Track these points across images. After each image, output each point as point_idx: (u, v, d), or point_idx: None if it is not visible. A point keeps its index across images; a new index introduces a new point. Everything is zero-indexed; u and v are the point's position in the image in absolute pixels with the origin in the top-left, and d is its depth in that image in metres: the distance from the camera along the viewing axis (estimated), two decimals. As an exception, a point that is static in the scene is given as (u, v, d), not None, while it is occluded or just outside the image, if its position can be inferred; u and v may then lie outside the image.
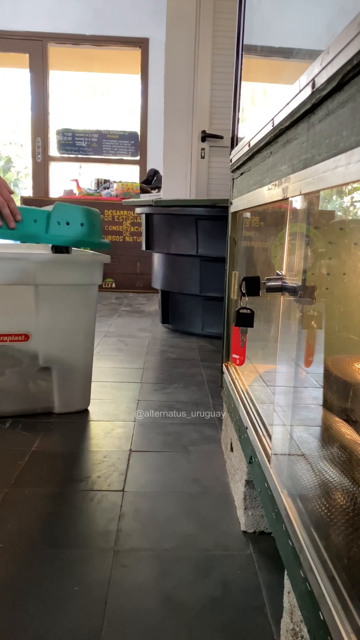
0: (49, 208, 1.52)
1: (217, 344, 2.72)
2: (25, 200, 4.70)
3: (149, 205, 3.01)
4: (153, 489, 1.23)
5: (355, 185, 0.72)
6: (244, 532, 1.07)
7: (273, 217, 1.16)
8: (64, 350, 1.61)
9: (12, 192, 1.45)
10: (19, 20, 5.06)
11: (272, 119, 0.86)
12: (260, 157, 1.05)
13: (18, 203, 1.57)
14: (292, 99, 0.72)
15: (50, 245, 1.60)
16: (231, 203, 1.47)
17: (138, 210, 3.20)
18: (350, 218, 0.93)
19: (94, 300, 1.65)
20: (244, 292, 0.93)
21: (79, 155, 5.43)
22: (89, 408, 1.72)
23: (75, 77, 5.78)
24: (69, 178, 5.11)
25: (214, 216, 2.66)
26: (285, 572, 0.71)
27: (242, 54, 1.47)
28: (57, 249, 1.59)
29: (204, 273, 2.81)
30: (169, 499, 1.18)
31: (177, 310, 3.09)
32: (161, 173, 3.49)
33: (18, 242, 1.68)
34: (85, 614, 0.83)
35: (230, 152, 1.47)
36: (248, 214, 1.40)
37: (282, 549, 0.72)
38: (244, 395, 1.18)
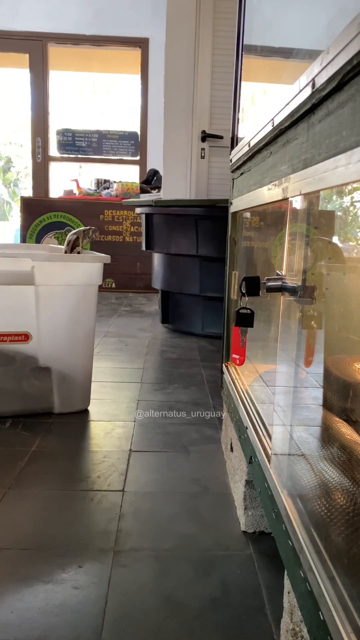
0: None
1: (217, 344, 2.72)
2: (25, 200, 4.70)
3: (149, 205, 3.01)
4: (153, 489, 1.23)
5: (355, 185, 0.72)
6: (244, 532, 1.07)
7: (273, 217, 1.16)
8: (64, 350, 1.61)
9: None
10: (19, 20, 5.06)
11: (272, 119, 0.86)
12: (260, 157, 1.05)
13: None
14: (292, 99, 0.72)
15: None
16: (231, 203, 1.47)
17: (138, 210, 3.20)
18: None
19: (94, 300, 1.65)
20: (244, 292, 0.93)
21: (79, 155, 5.43)
22: (89, 408, 1.72)
23: (75, 77, 5.79)
24: (69, 178, 5.11)
25: (214, 216, 2.66)
26: (285, 572, 0.71)
27: (242, 54, 1.47)
28: None
29: (204, 273, 2.81)
30: (169, 499, 1.18)
31: (177, 310, 3.09)
32: (161, 173, 3.49)
33: (19, 243, 1.70)
34: (85, 614, 0.83)
35: (230, 152, 1.47)
36: (248, 214, 1.40)
37: (282, 549, 0.72)
38: (244, 395, 1.18)
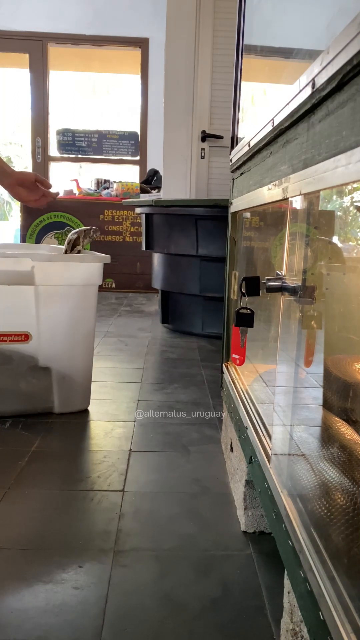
0: None
1: (217, 344, 2.72)
2: (25, 200, 4.69)
3: (149, 205, 3.01)
4: (153, 489, 1.23)
5: (355, 185, 0.72)
6: (244, 532, 1.07)
7: (273, 217, 1.16)
8: (64, 350, 1.61)
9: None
10: (19, 20, 5.06)
11: (272, 119, 0.86)
12: (260, 157, 1.05)
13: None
14: (292, 99, 0.72)
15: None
16: (231, 203, 1.47)
17: (138, 210, 3.20)
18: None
19: (94, 300, 1.65)
20: (244, 292, 0.93)
21: (79, 155, 5.43)
22: (89, 408, 1.72)
23: (75, 77, 5.78)
24: (69, 178, 5.11)
25: (214, 216, 2.66)
26: (285, 572, 0.71)
27: (242, 54, 1.47)
28: None
29: (204, 273, 2.81)
30: (169, 499, 1.18)
31: (177, 310, 3.09)
32: (161, 173, 3.49)
33: (19, 243, 1.70)
34: (85, 614, 0.83)
35: (230, 152, 1.47)
36: (248, 214, 1.40)
37: (282, 549, 0.72)
38: (244, 395, 1.18)
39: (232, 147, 1.46)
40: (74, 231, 1.75)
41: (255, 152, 1.08)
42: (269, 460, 0.85)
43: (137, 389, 1.96)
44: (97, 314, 1.86)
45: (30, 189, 1.56)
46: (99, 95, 5.87)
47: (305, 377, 0.89)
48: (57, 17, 5.05)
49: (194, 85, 3.18)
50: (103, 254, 1.62)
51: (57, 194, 1.64)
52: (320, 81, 0.60)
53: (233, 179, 1.45)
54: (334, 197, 0.89)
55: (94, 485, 1.23)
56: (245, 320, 0.99)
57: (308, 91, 0.65)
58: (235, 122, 1.51)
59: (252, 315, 0.98)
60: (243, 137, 1.25)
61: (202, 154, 3.29)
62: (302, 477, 0.78)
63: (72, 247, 1.72)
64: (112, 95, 5.86)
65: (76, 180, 4.99)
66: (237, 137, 1.49)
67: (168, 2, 3.13)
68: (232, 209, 1.46)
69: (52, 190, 1.53)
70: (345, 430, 0.85)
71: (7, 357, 1.56)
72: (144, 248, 3.18)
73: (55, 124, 5.38)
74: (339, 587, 0.54)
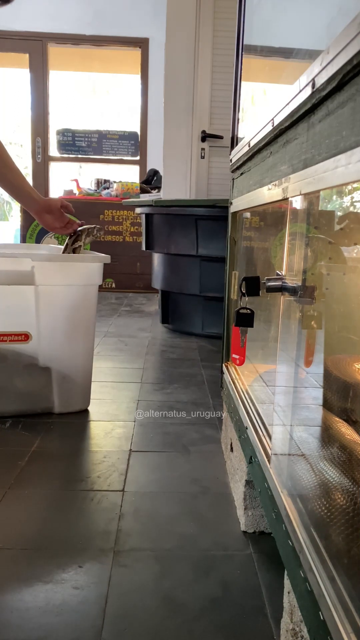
0: None
1: (217, 344, 2.72)
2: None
3: (149, 205, 3.01)
4: (153, 489, 1.23)
5: (355, 185, 0.72)
6: (244, 532, 1.07)
7: (273, 217, 1.16)
8: (64, 350, 1.61)
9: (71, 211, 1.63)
10: (19, 20, 5.06)
11: (272, 119, 0.86)
12: (260, 157, 1.05)
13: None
14: (292, 99, 0.72)
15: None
16: (231, 203, 1.47)
17: (138, 210, 3.20)
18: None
19: (94, 300, 1.65)
20: (244, 292, 0.93)
21: (79, 155, 5.43)
22: (89, 408, 1.72)
23: (75, 77, 5.79)
24: (69, 178, 5.11)
25: (214, 216, 2.66)
26: (285, 572, 0.71)
27: (242, 54, 1.47)
28: None
29: (204, 273, 2.81)
30: (169, 499, 1.18)
31: (177, 310, 3.09)
32: (161, 173, 3.49)
33: (19, 243, 1.70)
34: (85, 614, 0.83)
35: (230, 152, 1.47)
36: (248, 214, 1.40)
37: (282, 549, 0.72)
38: (244, 395, 1.18)
39: (232, 147, 1.46)
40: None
41: (255, 152, 1.08)
42: (269, 460, 0.85)
43: (137, 389, 1.96)
44: (97, 314, 1.86)
45: (56, 216, 1.58)
46: (99, 95, 5.87)
47: (305, 377, 0.89)
48: (57, 17, 5.05)
49: (194, 85, 3.18)
50: (103, 254, 1.62)
51: (83, 223, 1.67)
52: (320, 81, 0.60)
53: (233, 179, 1.45)
54: (334, 197, 0.89)
55: (94, 485, 1.23)
56: (245, 320, 0.99)
57: (308, 91, 0.65)
58: (235, 122, 1.51)
59: (252, 315, 0.98)
60: (243, 137, 1.26)
61: (202, 154, 3.29)
62: (302, 477, 0.78)
63: (73, 242, 1.71)
64: (112, 95, 5.87)
65: (76, 180, 4.99)
66: (237, 137, 1.49)
67: (168, 2, 3.13)
68: (232, 209, 1.46)
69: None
70: (345, 430, 0.85)
71: (3, 357, 1.56)
72: (144, 248, 3.18)
73: (55, 124, 5.38)
74: (339, 587, 0.54)
